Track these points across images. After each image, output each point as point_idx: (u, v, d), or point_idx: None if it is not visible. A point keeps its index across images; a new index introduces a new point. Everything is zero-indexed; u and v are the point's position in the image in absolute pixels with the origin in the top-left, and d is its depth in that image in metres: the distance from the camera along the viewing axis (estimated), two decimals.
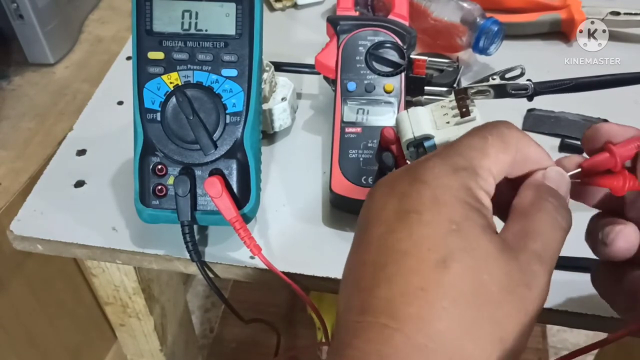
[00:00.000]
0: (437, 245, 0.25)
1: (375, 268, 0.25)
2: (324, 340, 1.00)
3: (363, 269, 0.26)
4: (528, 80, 0.44)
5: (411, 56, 0.59)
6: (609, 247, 0.33)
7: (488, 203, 0.28)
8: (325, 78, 0.60)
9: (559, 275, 0.49)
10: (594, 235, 0.34)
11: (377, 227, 0.26)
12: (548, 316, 0.47)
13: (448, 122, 0.46)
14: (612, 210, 0.35)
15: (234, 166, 0.48)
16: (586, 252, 0.48)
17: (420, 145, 0.46)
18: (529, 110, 0.63)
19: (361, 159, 0.53)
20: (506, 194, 0.31)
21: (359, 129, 0.54)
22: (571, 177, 0.33)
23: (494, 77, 0.44)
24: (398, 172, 0.28)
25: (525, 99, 0.45)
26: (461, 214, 0.26)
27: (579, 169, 0.33)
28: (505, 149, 0.29)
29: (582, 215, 0.51)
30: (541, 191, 0.30)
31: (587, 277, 0.48)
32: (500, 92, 0.44)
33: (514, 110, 0.63)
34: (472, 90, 0.44)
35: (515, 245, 0.27)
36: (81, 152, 0.62)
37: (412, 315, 0.24)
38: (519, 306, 0.25)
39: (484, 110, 0.46)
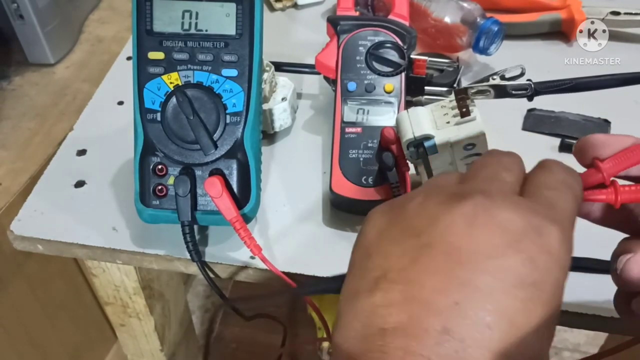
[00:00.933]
0: (546, 329, 0.25)
1: (476, 322, 0.23)
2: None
3: (453, 309, 0.24)
4: (528, 80, 0.44)
5: (411, 56, 0.59)
6: (618, 276, 0.31)
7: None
8: (326, 78, 0.60)
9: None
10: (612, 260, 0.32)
11: (487, 276, 0.24)
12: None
13: (448, 122, 0.46)
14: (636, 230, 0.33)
15: (234, 166, 0.48)
16: (587, 252, 0.49)
17: (420, 145, 0.46)
18: (529, 110, 0.63)
19: (361, 159, 0.53)
20: None
21: (359, 129, 0.54)
22: None
23: (494, 77, 0.44)
24: (510, 214, 0.26)
25: (525, 99, 0.45)
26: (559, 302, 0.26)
27: None
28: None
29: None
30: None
31: (587, 277, 0.48)
32: (501, 92, 0.44)
33: (514, 110, 0.63)
34: (472, 90, 0.44)
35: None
36: (81, 152, 0.62)
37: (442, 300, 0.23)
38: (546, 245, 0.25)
39: (484, 110, 0.46)
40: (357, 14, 0.64)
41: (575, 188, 0.29)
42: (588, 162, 0.33)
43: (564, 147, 0.59)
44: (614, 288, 0.47)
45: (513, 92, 0.44)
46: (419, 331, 0.23)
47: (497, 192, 0.26)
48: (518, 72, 0.44)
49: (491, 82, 0.44)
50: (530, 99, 0.44)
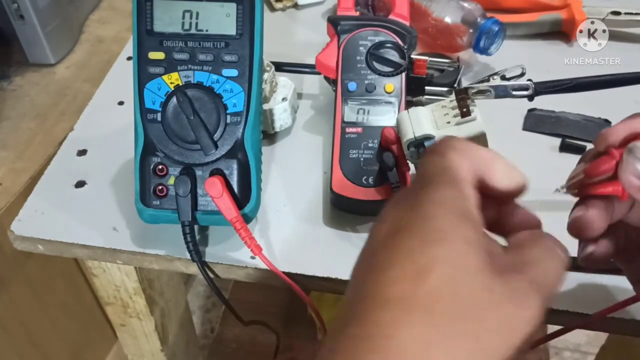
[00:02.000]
0: (419, 255, 0.24)
1: (359, 284, 0.25)
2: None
3: (350, 287, 0.26)
4: (529, 80, 0.44)
5: (412, 56, 0.59)
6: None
7: (478, 216, 0.27)
8: (326, 78, 0.60)
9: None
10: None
11: (368, 248, 0.27)
12: (549, 316, 0.47)
13: (449, 122, 0.46)
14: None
15: (235, 166, 0.48)
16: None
17: (420, 145, 0.46)
18: (530, 110, 0.63)
19: (362, 159, 0.53)
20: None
21: (359, 129, 0.54)
22: (571, 191, 0.33)
23: (495, 77, 0.44)
24: (392, 204, 0.28)
25: (525, 99, 0.45)
26: (450, 224, 0.25)
27: (580, 176, 0.33)
28: (463, 155, 0.29)
29: None
30: (539, 230, 0.30)
31: (587, 276, 0.48)
32: (501, 92, 0.44)
33: (514, 110, 0.63)
34: (473, 90, 0.44)
35: (509, 267, 0.26)
36: (82, 153, 0.62)
37: (383, 322, 0.23)
38: (504, 323, 0.24)
39: (485, 110, 0.46)
40: (358, 14, 0.64)
41: (564, 260, 0.28)
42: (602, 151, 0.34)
43: (564, 147, 0.59)
44: (614, 288, 0.48)
45: (513, 92, 0.44)
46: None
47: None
48: (518, 72, 0.44)
49: (492, 82, 0.44)
50: (530, 99, 0.44)
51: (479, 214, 0.27)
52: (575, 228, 0.34)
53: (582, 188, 0.35)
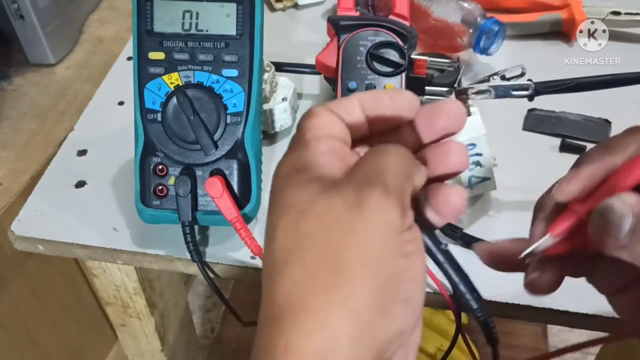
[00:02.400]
0: (269, 221, 0.26)
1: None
2: None
3: None
4: (529, 80, 0.44)
5: (412, 56, 0.59)
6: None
7: (323, 159, 0.28)
8: (326, 78, 0.60)
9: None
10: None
11: None
12: (549, 316, 0.47)
13: None
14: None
15: (235, 166, 0.48)
16: None
17: None
18: (530, 110, 0.63)
19: None
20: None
21: None
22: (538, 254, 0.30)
23: (495, 77, 0.44)
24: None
25: (525, 99, 0.45)
26: (283, 182, 0.27)
27: (549, 239, 0.30)
28: (314, 116, 0.29)
29: None
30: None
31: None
32: (501, 92, 0.44)
33: (514, 110, 0.63)
34: (473, 90, 0.44)
35: (339, 182, 0.26)
36: (82, 153, 0.62)
37: (264, 296, 0.25)
38: (350, 230, 0.24)
39: (485, 110, 0.46)
40: (358, 14, 0.64)
41: (393, 149, 0.28)
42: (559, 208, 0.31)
43: (564, 147, 0.59)
44: None
45: (513, 92, 0.44)
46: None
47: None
48: (518, 72, 0.44)
49: (492, 82, 0.44)
50: (530, 99, 0.44)
51: (327, 158, 0.28)
52: (532, 291, 0.32)
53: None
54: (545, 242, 0.30)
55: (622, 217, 0.27)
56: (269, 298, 0.25)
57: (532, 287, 0.32)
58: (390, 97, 0.30)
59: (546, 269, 0.31)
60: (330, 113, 0.29)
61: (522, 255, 0.30)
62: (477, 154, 0.46)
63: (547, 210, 0.31)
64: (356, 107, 0.30)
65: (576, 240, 0.30)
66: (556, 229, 0.30)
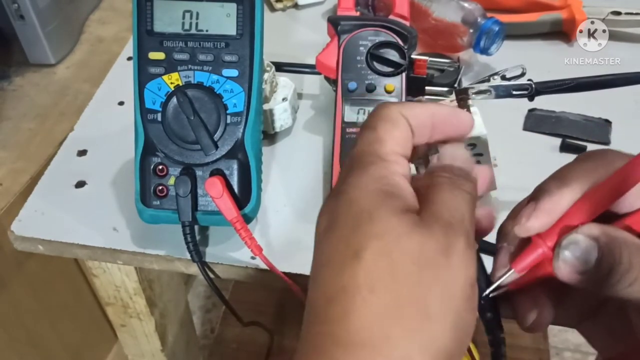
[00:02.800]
0: (351, 240, 0.25)
1: (312, 282, 0.27)
2: None
3: (309, 286, 0.27)
4: (529, 80, 0.44)
5: (412, 56, 0.59)
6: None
7: (405, 185, 0.28)
8: (326, 78, 0.60)
9: None
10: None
11: (315, 245, 0.27)
12: None
13: None
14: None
15: (235, 166, 0.48)
16: None
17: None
18: (530, 110, 0.63)
19: None
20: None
21: (360, 129, 0.54)
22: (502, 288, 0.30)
23: (495, 77, 0.44)
24: (329, 197, 0.29)
25: (526, 99, 0.45)
26: (373, 203, 0.26)
27: (513, 274, 0.30)
28: (394, 125, 0.29)
29: None
30: (432, 172, 0.30)
31: None
32: (501, 92, 0.44)
33: (514, 110, 0.63)
34: (473, 91, 0.44)
35: (427, 220, 0.26)
36: (82, 153, 0.62)
37: (336, 315, 0.24)
38: (439, 276, 0.25)
39: (485, 110, 0.46)
40: (358, 14, 0.64)
41: (469, 191, 0.28)
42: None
43: (565, 147, 0.59)
44: None
45: (514, 92, 0.44)
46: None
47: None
48: (519, 72, 0.44)
49: (492, 82, 0.44)
50: (531, 99, 0.44)
51: (406, 182, 0.28)
52: (534, 330, 0.31)
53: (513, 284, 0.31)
54: (509, 277, 0.30)
55: (587, 252, 0.27)
56: (341, 318, 0.24)
57: (536, 327, 0.31)
58: (458, 118, 0.31)
59: (542, 306, 0.31)
60: (407, 126, 0.29)
61: (488, 291, 0.30)
62: (477, 154, 0.46)
63: (509, 239, 0.31)
64: (428, 121, 0.30)
65: (540, 271, 0.29)
66: (520, 264, 0.29)
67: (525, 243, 0.30)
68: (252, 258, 0.51)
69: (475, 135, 0.45)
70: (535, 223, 0.29)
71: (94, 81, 0.80)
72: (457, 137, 0.31)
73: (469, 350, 0.57)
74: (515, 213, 0.30)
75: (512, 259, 0.30)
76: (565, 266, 0.27)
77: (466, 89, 0.44)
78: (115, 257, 0.54)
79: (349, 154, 0.30)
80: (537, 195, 0.30)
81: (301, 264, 0.50)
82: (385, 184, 0.27)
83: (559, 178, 0.30)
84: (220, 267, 0.52)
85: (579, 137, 0.60)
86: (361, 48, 0.56)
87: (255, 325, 0.64)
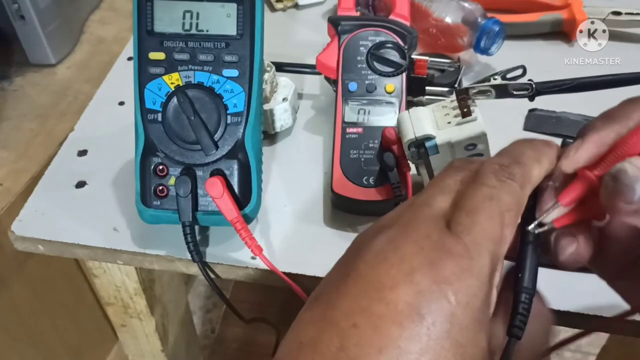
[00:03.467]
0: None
1: (369, 345, 0.25)
2: None
3: (351, 330, 0.26)
4: (529, 80, 0.44)
5: (412, 56, 0.59)
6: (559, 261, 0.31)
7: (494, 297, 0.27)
8: (327, 78, 0.60)
9: (561, 276, 0.49)
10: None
11: (381, 303, 0.26)
12: (567, 319, 0.47)
13: (449, 122, 0.46)
14: None
15: (235, 166, 0.48)
16: None
17: (421, 145, 0.46)
18: (530, 111, 0.63)
19: (362, 159, 0.53)
20: None
21: (360, 129, 0.54)
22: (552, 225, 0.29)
23: (495, 77, 0.44)
24: (413, 246, 0.26)
25: (526, 99, 0.45)
26: (471, 338, 0.26)
27: (559, 208, 0.29)
28: (517, 219, 0.28)
29: None
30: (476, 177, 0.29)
31: (588, 277, 0.48)
32: (502, 92, 0.44)
33: (515, 110, 0.63)
34: (474, 91, 0.44)
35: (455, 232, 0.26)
36: (82, 153, 0.62)
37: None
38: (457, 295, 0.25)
39: (485, 110, 0.46)
40: (358, 14, 0.64)
41: (503, 199, 0.27)
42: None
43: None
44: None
45: (514, 92, 0.44)
46: (322, 347, 0.25)
47: (417, 222, 0.27)
48: (519, 72, 0.44)
49: (492, 82, 0.44)
50: (531, 99, 0.44)
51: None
52: (570, 264, 0.31)
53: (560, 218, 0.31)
54: (555, 212, 0.29)
55: (635, 180, 0.27)
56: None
57: (571, 261, 0.31)
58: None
59: (581, 241, 0.30)
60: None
61: (532, 226, 0.29)
62: (477, 154, 0.46)
63: (554, 177, 0.30)
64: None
65: (586, 209, 0.29)
66: (567, 197, 0.29)
67: (571, 179, 0.29)
68: (253, 258, 0.51)
69: (475, 135, 0.45)
70: (582, 155, 0.29)
71: (94, 81, 0.80)
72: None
73: None
74: (560, 152, 0.30)
75: (558, 194, 0.29)
76: (612, 195, 0.27)
77: (466, 89, 0.44)
78: (116, 257, 0.54)
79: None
80: (584, 131, 0.30)
81: (301, 264, 0.50)
82: (487, 312, 0.26)
83: (605, 116, 0.30)
84: (220, 267, 0.52)
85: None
86: (361, 48, 0.56)
87: (258, 322, 0.64)
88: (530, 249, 0.28)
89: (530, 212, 0.29)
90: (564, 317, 0.47)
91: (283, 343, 0.27)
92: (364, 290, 0.26)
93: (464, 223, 0.26)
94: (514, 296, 0.27)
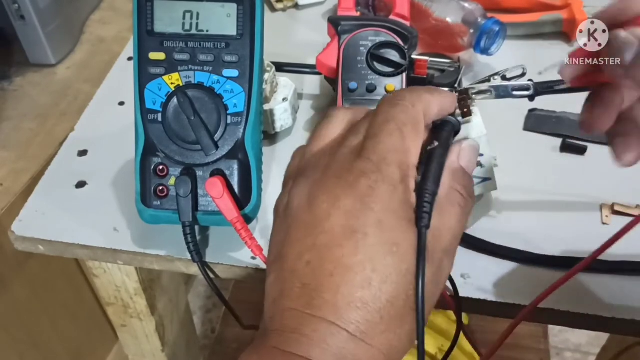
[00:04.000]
0: (378, 267, 0.28)
1: (322, 273, 0.29)
2: None
3: (306, 268, 0.29)
4: (529, 80, 0.44)
5: (412, 56, 0.59)
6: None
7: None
8: (327, 78, 0.60)
9: (561, 276, 0.49)
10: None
11: (322, 235, 0.30)
12: (550, 316, 0.47)
13: None
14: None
15: (235, 167, 0.48)
16: (588, 253, 0.49)
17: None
18: (531, 111, 0.63)
19: None
20: None
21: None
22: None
23: (495, 77, 0.44)
24: (335, 179, 0.31)
25: (526, 99, 0.45)
26: (401, 236, 0.29)
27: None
28: (418, 132, 0.32)
29: (580, 210, 0.51)
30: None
31: (589, 277, 0.48)
32: (502, 92, 0.44)
33: (515, 110, 0.63)
34: (474, 91, 0.44)
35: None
36: (82, 153, 0.62)
37: (356, 321, 0.28)
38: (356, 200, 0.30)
39: (485, 110, 0.46)
40: (358, 14, 0.64)
41: (398, 117, 0.32)
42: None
43: (565, 148, 0.59)
44: (615, 289, 0.48)
45: (514, 92, 0.44)
46: (288, 291, 0.30)
47: (334, 161, 0.32)
48: (519, 72, 0.44)
49: (492, 82, 0.44)
50: (531, 99, 0.44)
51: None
52: (585, 128, 0.39)
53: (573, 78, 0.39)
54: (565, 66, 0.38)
55: (626, 43, 0.33)
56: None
57: (586, 125, 0.40)
58: (452, 101, 0.36)
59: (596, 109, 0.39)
60: (424, 129, 0.33)
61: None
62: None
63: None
64: (435, 115, 0.34)
65: (594, 76, 0.36)
66: (575, 54, 0.37)
67: None
68: (253, 258, 0.51)
69: (475, 136, 0.45)
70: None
71: (94, 81, 0.80)
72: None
73: (475, 348, 0.57)
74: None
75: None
76: (608, 56, 0.36)
77: (467, 89, 0.44)
78: (116, 257, 0.54)
79: (369, 141, 0.31)
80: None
81: None
82: (411, 210, 0.30)
83: None
84: (220, 267, 0.52)
85: (580, 137, 0.60)
86: (362, 48, 0.56)
87: (255, 329, 0.63)
88: (434, 159, 0.32)
89: (434, 134, 0.34)
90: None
91: (264, 308, 0.31)
92: (306, 230, 0.30)
93: (369, 146, 0.31)
94: (417, 196, 0.31)
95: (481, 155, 0.48)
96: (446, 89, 0.36)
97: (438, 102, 0.34)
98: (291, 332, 0.29)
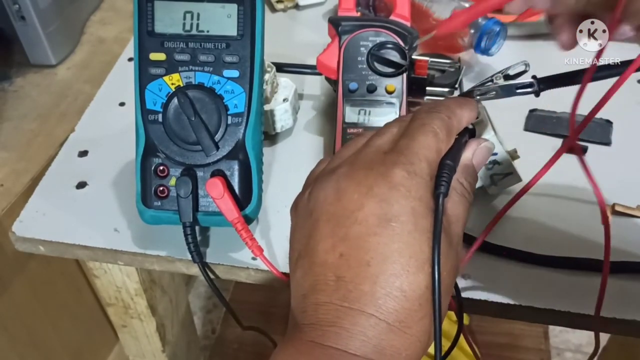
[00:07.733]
0: (417, 254, 0.29)
1: (358, 264, 0.29)
2: None
3: (339, 259, 0.30)
4: (533, 77, 0.44)
5: (413, 57, 0.59)
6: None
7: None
8: (327, 79, 0.60)
9: (562, 276, 0.49)
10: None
11: (354, 225, 0.30)
12: (550, 317, 0.47)
13: None
14: None
15: (236, 167, 0.48)
16: (588, 253, 0.49)
17: None
18: (531, 111, 0.63)
19: None
20: None
21: (360, 130, 0.54)
22: None
23: (498, 76, 0.44)
24: (365, 170, 0.31)
25: (527, 99, 0.45)
26: (432, 223, 0.30)
27: None
28: (450, 140, 0.34)
29: (580, 210, 0.51)
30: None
31: (589, 277, 0.48)
32: (506, 91, 0.44)
33: (515, 110, 0.63)
34: (478, 92, 0.44)
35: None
36: (83, 153, 0.62)
37: (394, 310, 0.28)
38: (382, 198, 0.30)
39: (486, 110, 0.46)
40: (359, 14, 0.64)
41: (433, 123, 0.33)
42: None
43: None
44: (615, 289, 0.47)
45: (518, 90, 0.44)
46: (321, 285, 0.30)
47: (362, 155, 0.33)
48: (522, 68, 0.44)
49: (495, 82, 0.44)
50: (537, 94, 0.44)
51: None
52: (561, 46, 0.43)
53: None
54: None
55: None
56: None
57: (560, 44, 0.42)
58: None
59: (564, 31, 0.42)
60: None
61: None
62: (491, 154, 0.46)
63: None
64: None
65: None
66: None
67: None
68: (253, 259, 0.51)
69: (481, 137, 0.45)
70: None
71: (94, 82, 0.80)
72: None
73: (472, 350, 0.57)
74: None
75: None
76: None
77: (471, 91, 0.44)
78: (116, 257, 0.54)
79: (405, 137, 0.33)
80: None
81: None
82: (423, 205, 0.31)
83: None
84: (221, 268, 0.52)
85: (580, 137, 0.60)
86: (362, 49, 0.56)
87: (254, 330, 0.63)
88: (454, 148, 0.35)
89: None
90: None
91: (292, 303, 0.31)
92: (337, 223, 0.30)
93: (403, 143, 0.32)
94: (439, 168, 0.32)
95: (495, 154, 0.49)
96: (470, 99, 0.39)
97: (467, 117, 0.36)
98: (329, 326, 0.29)
